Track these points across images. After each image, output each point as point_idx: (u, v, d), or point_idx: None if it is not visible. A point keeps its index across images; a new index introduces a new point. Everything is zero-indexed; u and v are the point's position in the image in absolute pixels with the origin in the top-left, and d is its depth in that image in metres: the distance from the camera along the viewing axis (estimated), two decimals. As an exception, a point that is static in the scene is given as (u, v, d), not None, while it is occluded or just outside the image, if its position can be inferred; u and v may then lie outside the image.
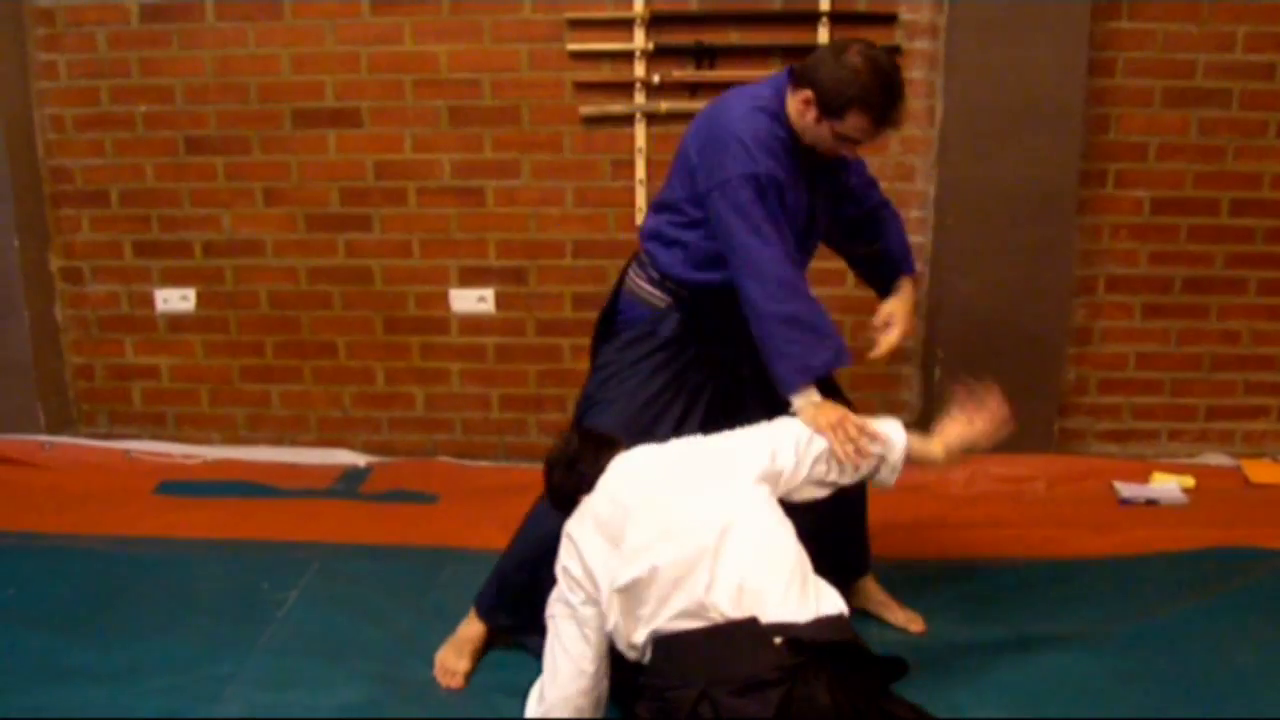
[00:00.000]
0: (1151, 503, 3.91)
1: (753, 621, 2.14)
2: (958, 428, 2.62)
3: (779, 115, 2.67)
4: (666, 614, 2.20)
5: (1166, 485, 4.01)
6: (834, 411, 2.55)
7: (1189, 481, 4.04)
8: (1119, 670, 2.80)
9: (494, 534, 3.61)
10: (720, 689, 2.06)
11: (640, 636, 2.22)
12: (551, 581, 2.57)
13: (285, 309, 4.36)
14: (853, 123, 2.59)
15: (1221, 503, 3.91)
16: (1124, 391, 4.30)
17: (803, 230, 2.77)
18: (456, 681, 2.81)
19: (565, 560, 2.39)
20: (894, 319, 2.87)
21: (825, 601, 2.24)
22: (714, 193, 2.63)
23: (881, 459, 2.54)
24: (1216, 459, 4.27)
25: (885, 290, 2.98)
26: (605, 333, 2.99)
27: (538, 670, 2.52)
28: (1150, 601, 3.14)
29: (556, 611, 2.37)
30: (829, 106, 2.58)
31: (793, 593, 2.19)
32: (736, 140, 2.63)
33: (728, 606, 2.17)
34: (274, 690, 2.75)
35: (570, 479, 2.48)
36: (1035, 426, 4.17)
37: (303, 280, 4.32)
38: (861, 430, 2.51)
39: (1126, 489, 3.98)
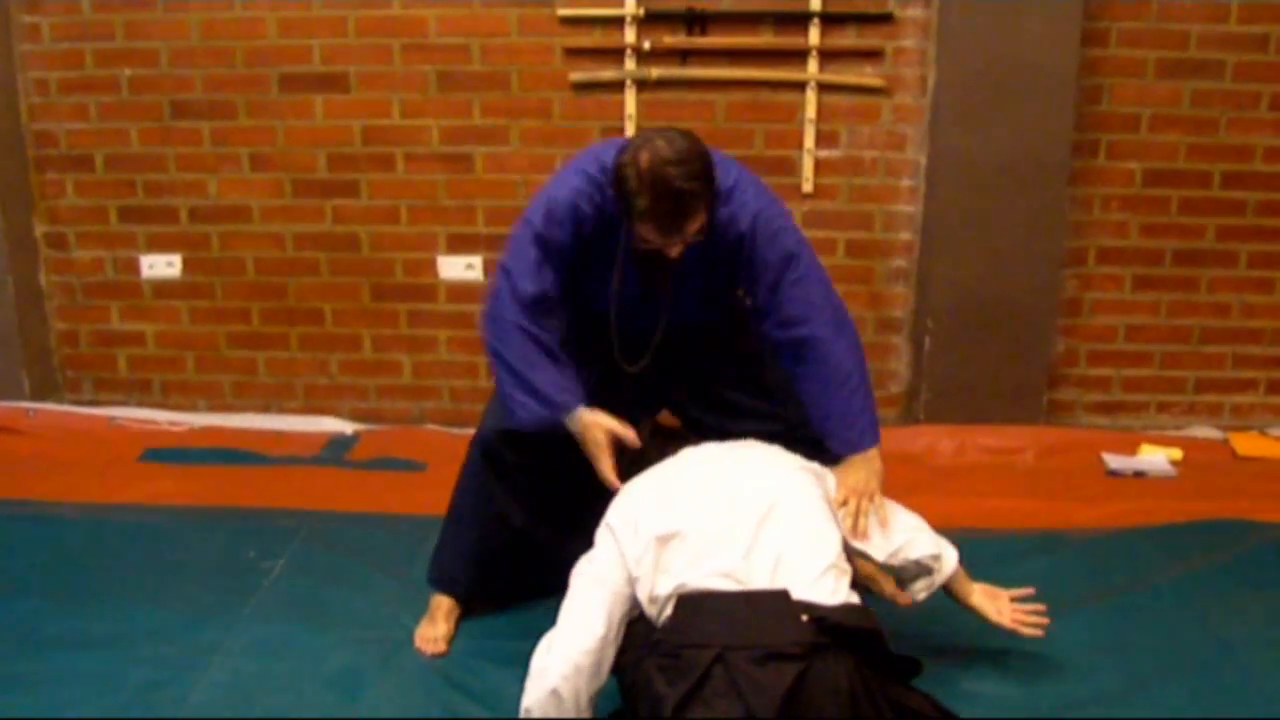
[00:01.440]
0: (1139, 475, 3.91)
1: (784, 594, 2.15)
2: (987, 598, 2.62)
3: (601, 181, 2.60)
4: (699, 571, 2.20)
5: (1154, 457, 4.01)
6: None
7: (1177, 454, 4.04)
8: (1106, 642, 2.80)
9: (482, 503, 3.63)
10: (738, 654, 2.06)
11: (665, 588, 2.21)
12: (491, 538, 2.87)
13: (272, 275, 4.32)
14: (641, 232, 2.48)
15: (1209, 475, 3.91)
16: (1113, 363, 4.30)
17: (629, 310, 2.75)
18: (439, 646, 2.80)
19: (610, 514, 2.39)
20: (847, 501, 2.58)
21: (854, 597, 2.25)
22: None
23: (928, 572, 2.55)
24: (1204, 432, 4.28)
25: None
26: None
27: (520, 637, 2.52)
28: (1137, 573, 3.14)
29: (582, 569, 2.36)
30: (625, 211, 2.49)
31: (827, 580, 2.20)
32: (542, 199, 2.67)
33: (762, 576, 2.18)
34: (260, 659, 2.73)
35: (634, 473, 2.52)
36: (1024, 398, 4.19)
37: (289, 246, 4.29)
38: (874, 510, 2.55)
39: (1114, 461, 3.98)
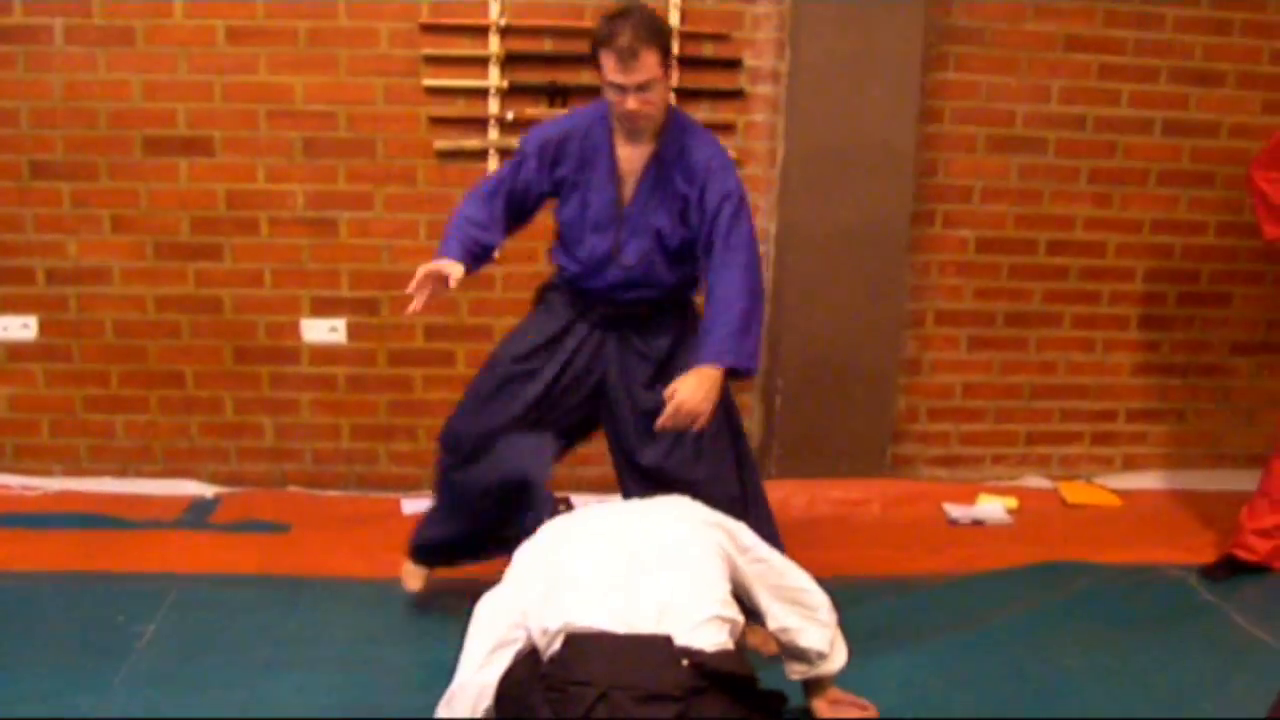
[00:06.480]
0: (978, 523, 4.14)
1: (667, 640, 2.26)
2: (838, 710, 2.73)
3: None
4: (588, 610, 2.30)
5: (991, 506, 4.25)
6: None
7: (1012, 503, 4.29)
8: (955, 674, 2.97)
9: (349, 561, 3.66)
10: (622, 693, 2.16)
11: (555, 623, 2.31)
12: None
13: (131, 338, 4.27)
14: (604, 64, 2.82)
15: (1041, 522, 4.17)
16: (951, 419, 4.55)
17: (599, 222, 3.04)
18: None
19: (517, 554, 2.53)
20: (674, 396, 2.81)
21: (731, 644, 2.37)
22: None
23: (809, 661, 2.64)
24: (1036, 481, 4.54)
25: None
26: None
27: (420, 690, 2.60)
28: (982, 612, 3.33)
29: (484, 606, 2.48)
30: (594, 47, 2.84)
31: (709, 629, 2.32)
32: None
33: (648, 621, 2.29)
34: (137, 724, 2.71)
35: None
36: (869, 452, 4.37)
37: (150, 309, 4.24)
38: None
39: (955, 510, 4.20)
